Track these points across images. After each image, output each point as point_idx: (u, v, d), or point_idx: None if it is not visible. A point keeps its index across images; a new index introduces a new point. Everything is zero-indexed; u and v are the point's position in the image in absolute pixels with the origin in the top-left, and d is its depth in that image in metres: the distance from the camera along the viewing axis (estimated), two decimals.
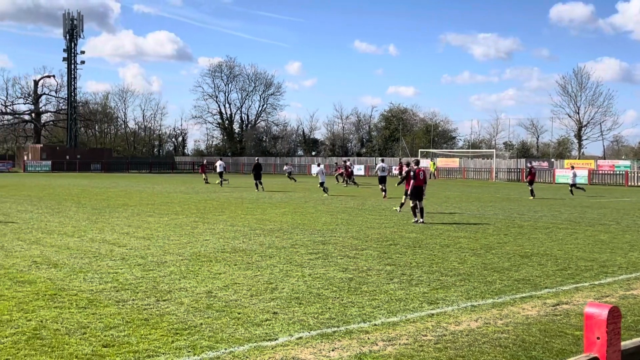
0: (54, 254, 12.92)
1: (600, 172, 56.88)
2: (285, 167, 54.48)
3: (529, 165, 38.55)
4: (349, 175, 45.58)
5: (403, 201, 23.52)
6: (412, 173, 20.52)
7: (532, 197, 32.98)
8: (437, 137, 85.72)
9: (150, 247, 13.92)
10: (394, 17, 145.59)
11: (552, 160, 63.10)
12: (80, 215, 21.22)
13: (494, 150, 70.67)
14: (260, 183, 37.86)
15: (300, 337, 7.30)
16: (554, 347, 7.14)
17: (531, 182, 33.84)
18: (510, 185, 51.94)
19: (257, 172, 38.21)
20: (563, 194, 37.18)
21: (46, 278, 10.45)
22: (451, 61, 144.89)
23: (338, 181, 46.58)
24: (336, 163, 51.71)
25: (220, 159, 48.02)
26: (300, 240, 15.33)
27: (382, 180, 32.41)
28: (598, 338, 2.92)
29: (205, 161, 55.52)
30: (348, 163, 48.41)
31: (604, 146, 78.80)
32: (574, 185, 36.94)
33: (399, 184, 24.28)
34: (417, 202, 20.06)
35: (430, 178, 63.40)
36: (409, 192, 20.40)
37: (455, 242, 15.45)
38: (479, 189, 44.56)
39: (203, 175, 49.32)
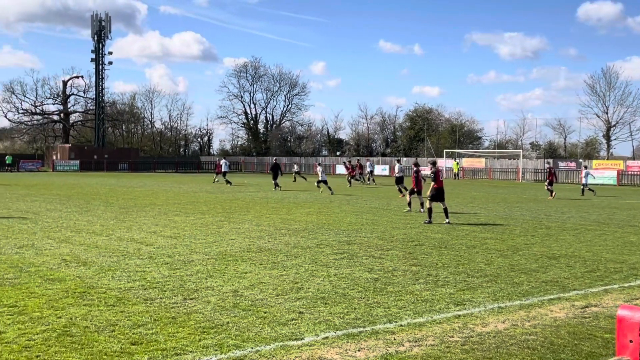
0: (83, 252, 13.07)
1: (630, 172, 56.09)
2: (295, 167, 54.45)
3: (547, 165, 38.52)
4: (353, 175, 45.76)
5: (409, 199, 24.04)
6: (432, 175, 20.58)
7: (550, 197, 33.02)
8: (462, 137, 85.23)
9: (177, 246, 14.02)
10: (419, 17, 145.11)
11: (580, 160, 62.33)
12: (108, 214, 21.44)
13: (521, 150, 70.05)
14: (277, 183, 37.97)
15: (326, 337, 7.30)
16: (583, 350, 7.05)
17: (551, 183, 33.78)
18: (537, 186, 51.38)
19: (275, 172, 38.33)
20: (590, 195, 36.74)
21: (75, 276, 10.57)
22: (477, 61, 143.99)
23: (362, 181, 46.67)
24: (344, 163, 51.31)
25: (224, 158, 48.02)
26: (325, 240, 15.33)
27: (400, 180, 32.81)
28: (631, 341, 2.87)
29: (218, 160, 55.32)
30: (363, 162, 48.74)
31: (633, 146, 77.64)
32: (585, 185, 37.17)
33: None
34: (441, 203, 20.05)
35: (455, 178, 63.11)
36: (429, 194, 20.33)
37: (482, 243, 15.34)
38: (506, 189, 44.18)
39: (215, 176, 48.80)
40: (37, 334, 7.18)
